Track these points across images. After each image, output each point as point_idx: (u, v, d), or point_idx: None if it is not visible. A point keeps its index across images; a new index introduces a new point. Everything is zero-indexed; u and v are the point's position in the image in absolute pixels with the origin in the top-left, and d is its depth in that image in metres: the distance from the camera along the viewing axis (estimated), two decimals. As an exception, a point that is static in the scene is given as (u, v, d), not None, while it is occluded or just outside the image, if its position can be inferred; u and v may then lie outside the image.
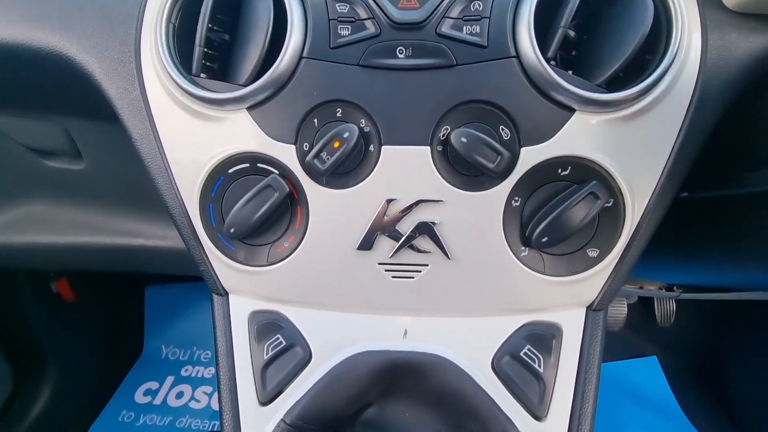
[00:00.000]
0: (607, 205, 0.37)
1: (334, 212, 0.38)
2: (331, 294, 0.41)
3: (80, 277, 1.14)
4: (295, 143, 0.37)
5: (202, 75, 0.38)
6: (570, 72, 0.35)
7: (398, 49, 0.35)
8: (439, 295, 0.40)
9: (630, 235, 0.38)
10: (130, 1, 0.40)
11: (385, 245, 0.39)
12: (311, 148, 0.36)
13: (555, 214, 0.35)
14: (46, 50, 0.42)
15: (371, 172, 0.37)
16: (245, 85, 0.36)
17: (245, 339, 0.42)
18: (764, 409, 1.02)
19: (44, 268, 1.01)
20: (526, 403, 0.38)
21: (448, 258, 0.38)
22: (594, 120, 0.35)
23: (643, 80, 0.34)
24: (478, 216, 0.37)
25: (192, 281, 1.26)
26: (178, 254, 0.70)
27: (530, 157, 0.36)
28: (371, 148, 0.37)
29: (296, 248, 0.39)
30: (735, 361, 1.13)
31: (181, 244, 0.44)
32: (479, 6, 0.34)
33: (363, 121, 0.37)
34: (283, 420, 0.38)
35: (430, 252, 0.38)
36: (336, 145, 0.35)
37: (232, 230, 0.38)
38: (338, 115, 0.37)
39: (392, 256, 0.39)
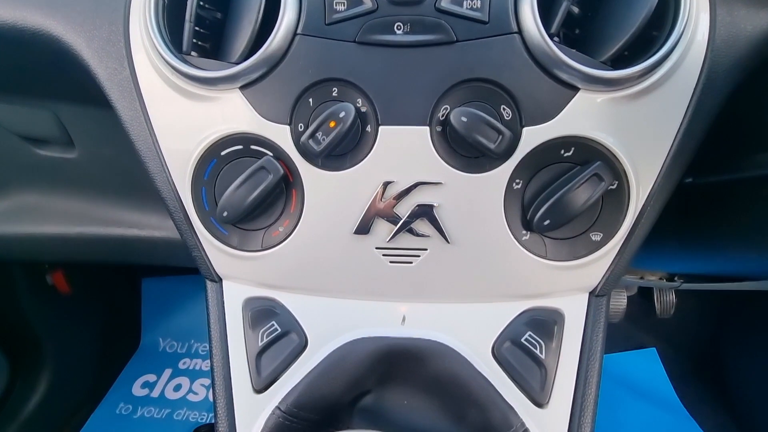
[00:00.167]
0: (611, 187, 0.36)
1: (330, 195, 0.37)
2: (328, 280, 0.40)
3: (76, 269, 1.13)
4: (289, 124, 0.36)
5: (193, 53, 0.37)
6: (574, 50, 0.34)
7: (396, 24, 0.34)
8: (439, 281, 0.39)
9: (634, 219, 0.37)
10: (119, -22, 0.39)
11: (382, 229, 0.38)
12: (306, 128, 0.35)
13: (557, 197, 0.34)
14: (32, 30, 0.40)
15: (368, 153, 0.36)
16: (237, 63, 0.35)
17: (239, 326, 0.41)
18: (763, 401, 1.02)
19: (38, 259, 1.00)
20: (528, 389, 0.38)
21: (448, 242, 0.37)
22: (598, 99, 0.34)
23: (650, 57, 0.33)
24: (478, 199, 0.36)
25: (189, 274, 1.26)
26: (173, 245, 0.69)
27: (532, 137, 0.35)
28: (368, 128, 0.36)
29: (291, 233, 0.38)
30: (734, 353, 1.12)
31: (177, 235, 0.43)
32: None
33: (360, 100, 0.36)
34: (278, 407, 0.38)
35: (429, 236, 0.37)
36: (332, 125, 0.34)
37: (225, 214, 0.37)
38: (334, 94, 0.36)
39: (390, 240, 0.38)
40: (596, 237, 0.37)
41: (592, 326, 0.39)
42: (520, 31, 0.33)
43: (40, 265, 1.07)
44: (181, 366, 1.25)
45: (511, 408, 0.36)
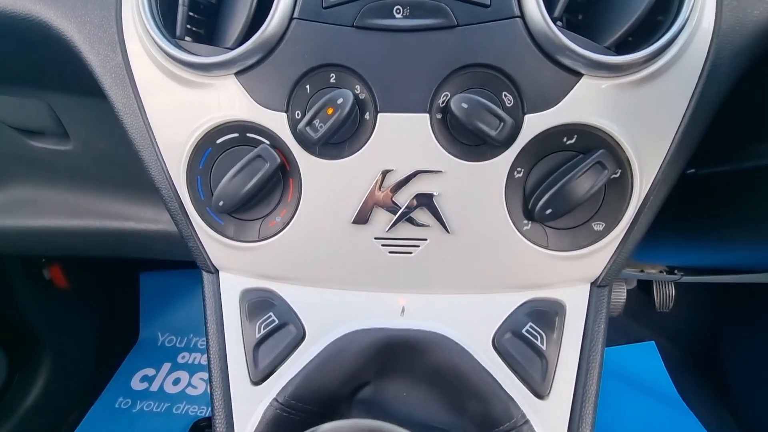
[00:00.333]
0: (614, 175, 0.35)
1: (327, 184, 0.37)
2: (326, 270, 0.39)
3: (73, 263, 1.12)
4: (286, 111, 0.35)
5: (187, 38, 0.36)
6: (577, 35, 0.33)
7: (395, 8, 0.33)
8: (438, 271, 0.38)
9: (637, 208, 0.36)
10: (110, -40, 0.38)
11: (381, 219, 0.37)
12: (303, 115, 0.35)
13: (560, 185, 0.34)
14: (21, 16, 0.39)
15: (367, 141, 0.35)
16: (232, 49, 0.34)
17: (236, 317, 0.40)
18: (760, 394, 1.02)
19: (34, 253, 0.99)
20: (528, 381, 0.37)
21: (448, 232, 0.37)
22: (602, 85, 0.34)
23: (654, 42, 0.32)
24: (479, 188, 0.36)
25: (187, 268, 1.25)
26: (170, 238, 0.69)
27: (534, 124, 0.34)
28: (367, 115, 0.35)
29: (288, 223, 0.38)
30: (732, 346, 1.13)
31: (174, 228, 0.42)
32: None
33: (358, 86, 0.35)
34: (275, 399, 0.37)
35: (428, 226, 0.37)
36: (329, 112, 0.33)
37: (221, 203, 0.36)
38: (332, 80, 0.35)
39: (389, 230, 0.37)
40: (598, 227, 0.37)
41: (594, 317, 0.39)
42: (522, 16, 0.33)
43: (36, 259, 1.06)
44: (180, 360, 1.25)
45: (512, 399, 0.36)
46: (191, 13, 0.36)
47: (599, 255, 0.38)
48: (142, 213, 0.69)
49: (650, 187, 0.36)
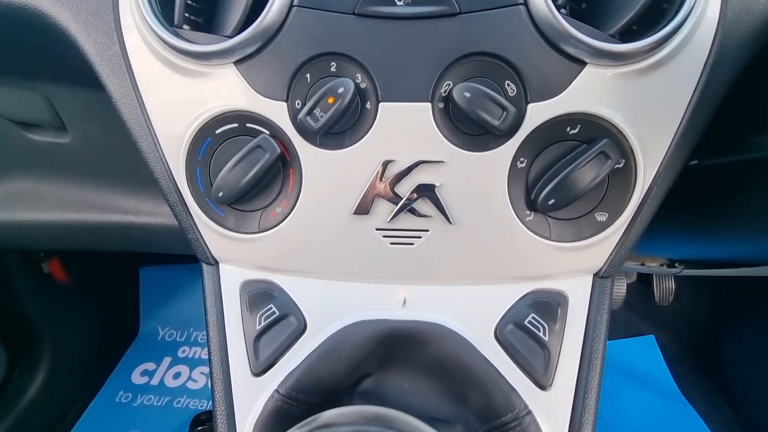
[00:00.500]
0: (617, 166, 0.35)
1: (328, 175, 0.36)
2: (327, 262, 0.39)
3: (73, 257, 1.12)
4: (286, 100, 0.35)
5: (185, 27, 0.36)
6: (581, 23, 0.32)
7: (397, -5, 0.32)
8: (440, 262, 0.38)
9: (641, 199, 0.36)
10: (106, -53, 0.37)
11: (383, 209, 0.37)
12: (303, 105, 0.34)
13: (563, 175, 0.33)
14: (17, 5, 0.39)
15: (368, 131, 0.35)
16: (231, 37, 0.33)
17: (237, 309, 0.40)
18: (759, 388, 1.03)
19: (33, 247, 0.99)
20: (531, 372, 0.37)
21: (450, 223, 0.36)
22: (606, 74, 0.33)
23: (659, 30, 0.32)
24: (481, 178, 0.35)
25: (186, 262, 1.25)
26: (170, 232, 0.68)
27: (537, 114, 0.34)
28: (368, 105, 0.35)
29: (289, 214, 0.37)
30: (731, 340, 1.13)
31: (173, 221, 0.42)
32: None
33: (359, 75, 0.34)
34: (276, 390, 0.37)
35: (430, 216, 0.37)
36: (330, 101, 0.33)
37: (220, 194, 0.36)
38: (332, 69, 0.34)
39: (390, 220, 0.37)
40: (601, 217, 0.36)
41: (597, 308, 0.39)
42: (525, 3, 0.32)
43: (35, 253, 1.06)
44: (180, 354, 1.25)
45: (514, 390, 0.36)
46: (189, 1, 0.36)
47: (602, 246, 0.37)
48: (142, 206, 0.69)
49: (654, 178, 0.36)
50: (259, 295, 0.40)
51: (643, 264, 0.82)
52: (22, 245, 0.88)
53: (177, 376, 1.20)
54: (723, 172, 0.47)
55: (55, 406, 1.08)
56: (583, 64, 0.33)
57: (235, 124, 0.36)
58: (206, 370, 1.20)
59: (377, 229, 0.37)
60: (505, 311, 0.39)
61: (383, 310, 0.39)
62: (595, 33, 0.32)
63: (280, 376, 0.38)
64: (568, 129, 0.34)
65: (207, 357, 0.40)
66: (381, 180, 0.36)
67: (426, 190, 0.36)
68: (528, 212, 0.36)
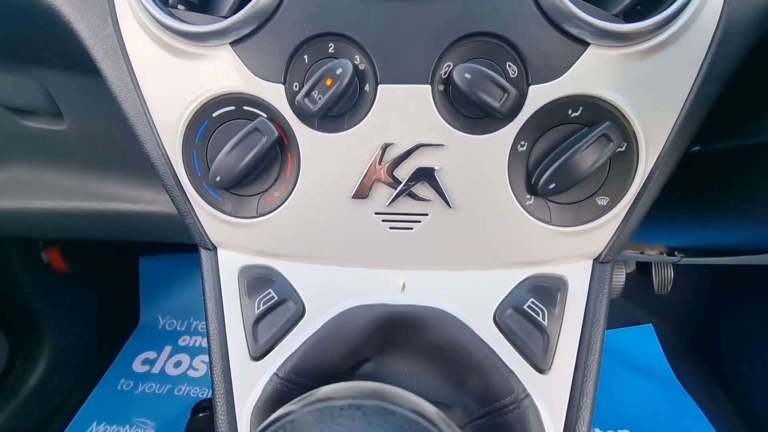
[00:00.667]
0: (619, 149, 0.34)
1: (327, 158, 0.36)
2: (325, 247, 0.39)
3: (72, 246, 1.12)
4: (283, 82, 0.34)
5: (180, 7, 0.35)
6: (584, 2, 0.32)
7: (396, -26, 0.32)
8: (440, 247, 0.38)
9: (642, 183, 0.36)
10: (98, -76, 0.36)
11: (382, 193, 0.36)
12: (301, 87, 0.34)
13: (564, 159, 0.33)
14: None
15: (367, 114, 0.34)
16: (227, 17, 0.33)
17: (235, 294, 0.40)
18: (756, 376, 1.03)
19: (31, 236, 0.98)
20: (530, 356, 0.37)
21: (449, 207, 0.36)
22: (609, 55, 0.33)
23: (664, 10, 0.31)
24: (481, 161, 0.35)
25: (186, 252, 1.25)
26: (169, 220, 0.68)
27: (539, 96, 0.33)
28: (367, 87, 0.34)
29: (287, 198, 0.37)
30: (729, 329, 1.14)
31: (172, 209, 0.41)
32: None
33: (358, 57, 0.34)
34: (275, 374, 0.37)
35: (430, 200, 0.36)
36: (328, 83, 0.32)
37: (218, 178, 0.35)
38: (330, 50, 0.34)
39: (389, 204, 0.36)
40: (602, 201, 0.36)
41: (596, 293, 0.39)
42: (528, -19, 0.31)
43: (34, 242, 1.06)
44: (180, 343, 1.26)
45: (513, 373, 0.36)
46: (184, -19, 0.35)
47: (602, 230, 0.37)
48: (141, 194, 0.68)
49: (656, 162, 0.35)
50: (258, 280, 0.40)
51: (642, 252, 0.82)
52: (20, 234, 0.88)
53: (178, 364, 1.20)
54: (725, 157, 0.47)
55: (58, 393, 1.09)
56: (586, 44, 0.32)
57: (232, 107, 0.36)
58: (207, 358, 1.21)
59: (376, 213, 0.37)
60: (504, 296, 0.38)
61: (382, 295, 0.39)
62: (599, 12, 0.32)
63: (279, 360, 0.38)
64: (570, 112, 0.34)
65: (207, 346, 0.40)
66: (380, 163, 0.35)
67: (425, 174, 0.35)
68: (528, 196, 0.36)
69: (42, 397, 1.05)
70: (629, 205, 0.36)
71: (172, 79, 0.36)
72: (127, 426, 1.05)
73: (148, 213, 0.69)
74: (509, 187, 0.36)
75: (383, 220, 0.37)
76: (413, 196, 0.36)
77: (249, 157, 0.34)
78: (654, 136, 0.35)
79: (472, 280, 0.39)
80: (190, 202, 0.39)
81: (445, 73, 0.33)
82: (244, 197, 0.38)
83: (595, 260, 0.39)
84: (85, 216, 0.70)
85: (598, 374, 0.38)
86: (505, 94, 0.32)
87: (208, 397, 1.10)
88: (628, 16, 0.33)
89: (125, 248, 1.33)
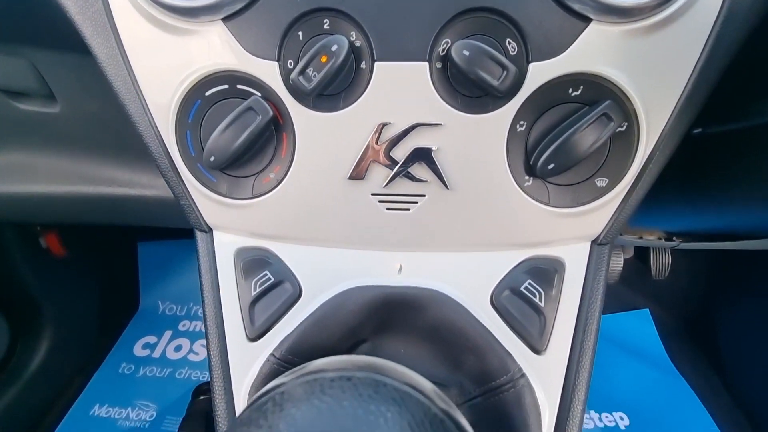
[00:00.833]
0: (620, 129, 0.34)
1: (322, 138, 0.35)
2: (321, 228, 0.38)
3: (70, 232, 1.12)
4: (278, 60, 0.34)
5: (170, -19, 0.34)
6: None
7: (393, -55, 0.31)
8: (437, 228, 0.38)
9: (642, 164, 0.35)
10: None
11: (378, 174, 0.36)
12: (296, 65, 0.33)
13: (563, 138, 0.33)
14: None
15: (363, 92, 0.34)
16: (219, -9, 0.32)
17: (231, 276, 0.40)
18: (749, 359, 1.05)
19: (27, 220, 0.98)
20: (526, 337, 0.37)
21: (447, 188, 0.36)
22: (611, 32, 0.32)
23: None
24: (479, 142, 0.34)
25: (184, 238, 1.25)
26: (165, 204, 0.67)
27: (539, 73, 0.33)
28: (363, 65, 0.33)
29: (282, 179, 0.37)
30: (725, 314, 1.14)
31: (168, 194, 0.41)
32: None
33: (353, 33, 0.33)
34: (272, 354, 0.37)
35: (427, 181, 0.36)
36: (323, 60, 0.32)
37: (212, 159, 0.35)
38: (326, 26, 0.33)
39: (386, 185, 0.36)
40: (601, 183, 0.36)
41: (593, 275, 0.38)
42: (529, -46, 0.30)
43: (32, 228, 1.06)
44: (180, 328, 1.27)
45: (509, 354, 0.36)
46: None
47: (601, 212, 0.37)
48: (136, 178, 0.68)
49: (656, 142, 0.35)
50: (254, 261, 0.40)
51: (641, 237, 0.82)
52: (16, 218, 0.87)
53: (178, 348, 1.22)
54: (728, 139, 0.46)
55: (60, 377, 1.10)
56: (588, 20, 0.32)
57: (225, 86, 0.35)
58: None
59: (373, 194, 0.37)
60: (501, 278, 0.38)
61: (379, 276, 0.39)
62: (601, -13, 0.31)
63: (275, 340, 0.38)
64: (570, 90, 0.33)
65: (206, 326, 0.40)
66: (377, 144, 0.35)
67: (422, 155, 0.35)
68: (527, 177, 0.36)
69: (44, 380, 1.06)
70: (628, 187, 0.36)
71: (163, 56, 0.35)
72: (129, 408, 1.07)
73: (144, 197, 0.68)
74: (507, 167, 0.35)
75: (380, 201, 0.37)
76: (410, 177, 0.36)
77: (243, 137, 0.34)
78: (655, 116, 0.34)
79: (469, 261, 0.39)
80: (184, 183, 0.39)
81: (443, 50, 0.33)
82: (239, 178, 0.37)
83: (593, 242, 0.39)
84: (82, 200, 0.70)
85: (593, 355, 0.38)
86: (505, 72, 0.31)
87: (209, 380, 1.11)
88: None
89: (124, 234, 1.33)
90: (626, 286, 1.28)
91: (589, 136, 0.33)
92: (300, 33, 0.33)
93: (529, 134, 0.35)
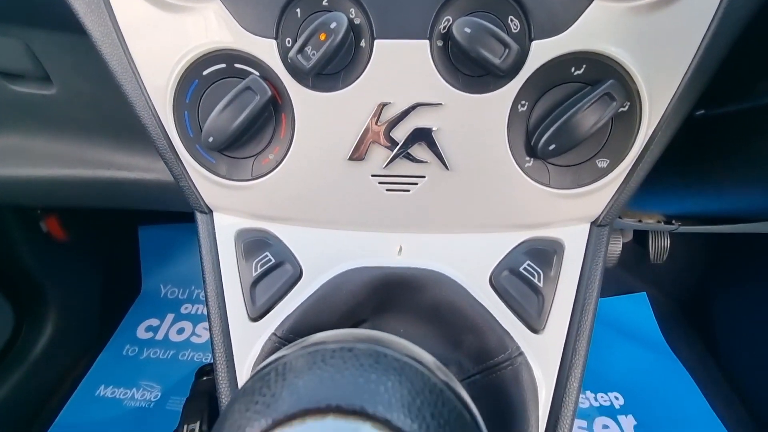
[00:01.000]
0: (622, 109, 0.33)
1: (322, 119, 0.35)
2: (321, 209, 0.39)
3: (71, 216, 1.12)
4: (275, 38, 0.33)
5: (165, -44, 0.33)
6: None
7: None
8: (437, 210, 0.38)
9: (643, 145, 0.35)
10: None
11: (378, 155, 0.36)
12: (294, 43, 0.32)
13: (565, 118, 0.32)
14: None
15: (363, 71, 0.33)
16: (215, -34, 0.31)
17: (232, 257, 0.40)
18: (744, 341, 1.06)
19: (27, 204, 0.98)
20: (524, 316, 0.38)
21: (447, 169, 0.36)
22: (615, 9, 0.31)
23: None
24: (480, 122, 0.34)
25: (184, 222, 1.25)
26: (165, 188, 0.67)
27: (541, 52, 0.32)
28: (362, 43, 0.33)
29: (282, 160, 0.36)
30: (721, 297, 1.15)
31: (168, 177, 0.41)
32: None
33: (353, 10, 0.32)
34: (274, 333, 0.38)
35: (427, 162, 0.36)
36: (322, 37, 0.31)
37: (210, 139, 0.35)
38: (324, 3, 0.32)
39: (386, 166, 0.36)
40: (602, 164, 0.36)
41: (592, 256, 0.39)
42: (532, -73, 0.30)
43: (32, 211, 1.06)
44: (183, 311, 1.28)
45: (507, 333, 0.37)
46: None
47: (601, 193, 0.37)
48: (135, 162, 0.67)
49: (659, 123, 0.35)
50: (255, 243, 0.40)
51: (640, 221, 0.82)
52: (15, 201, 0.87)
53: (181, 331, 1.23)
54: (730, 121, 0.46)
55: (64, 360, 1.12)
56: (592, -3, 0.31)
57: (223, 65, 0.34)
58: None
59: (373, 176, 0.37)
60: (500, 258, 0.39)
61: (379, 257, 0.39)
62: (607, -39, 0.30)
63: (277, 320, 0.38)
64: (573, 69, 0.33)
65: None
66: (377, 124, 0.34)
67: (423, 135, 0.34)
68: (527, 158, 0.35)
69: (49, 363, 1.08)
70: (629, 168, 0.36)
71: (159, 34, 0.34)
72: (134, 389, 1.09)
73: (144, 181, 0.68)
74: (508, 148, 0.35)
75: (380, 182, 0.37)
76: (410, 157, 0.35)
77: (242, 118, 0.34)
78: (658, 96, 0.34)
79: (469, 242, 0.39)
80: (183, 165, 0.38)
81: (444, 28, 0.32)
82: (239, 159, 0.37)
83: (593, 223, 0.39)
84: (80, 184, 0.70)
85: (590, 335, 0.39)
86: (507, 50, 0.31)
87: (212, 362, 1.13)
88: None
89: (124, 217, 1.33)
90: (624, 270, 1.29)
91: (590, 117, 0.32)
92: (298, 10, 0.32)
93: (531, 114, 0.34)
